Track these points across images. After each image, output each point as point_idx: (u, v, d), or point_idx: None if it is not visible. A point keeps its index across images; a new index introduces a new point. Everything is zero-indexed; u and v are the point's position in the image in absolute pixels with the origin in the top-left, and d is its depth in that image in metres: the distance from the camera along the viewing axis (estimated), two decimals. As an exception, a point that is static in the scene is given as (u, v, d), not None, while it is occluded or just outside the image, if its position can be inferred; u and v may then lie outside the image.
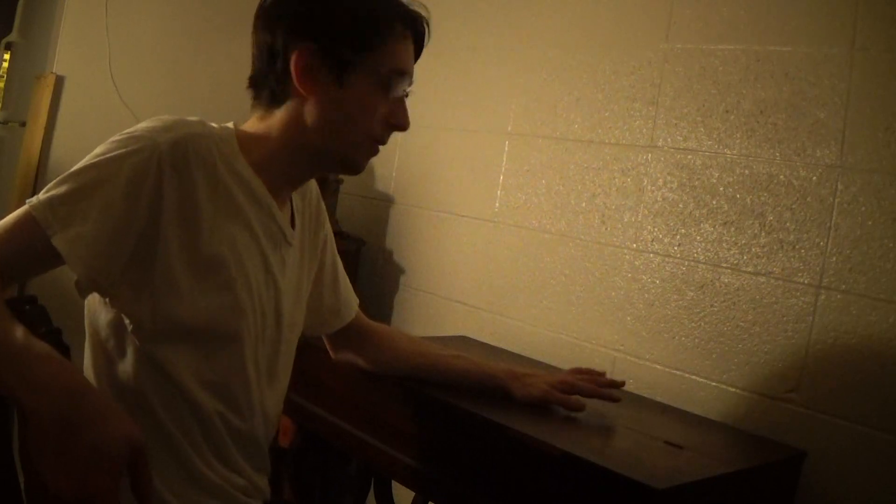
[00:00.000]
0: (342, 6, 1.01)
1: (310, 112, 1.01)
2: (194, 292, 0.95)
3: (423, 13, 1.07)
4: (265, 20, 1.02)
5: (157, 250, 0.92)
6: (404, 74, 1.04)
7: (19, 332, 0.78)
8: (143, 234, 0.91)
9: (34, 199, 0.89)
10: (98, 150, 0.92)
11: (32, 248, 0.88)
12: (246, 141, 1.02)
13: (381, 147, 1.07)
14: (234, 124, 1.04)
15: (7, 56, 2.97)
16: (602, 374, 1.35)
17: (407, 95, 1.07)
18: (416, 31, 1.06)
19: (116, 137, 0.93)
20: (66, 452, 0.70)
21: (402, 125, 1.05)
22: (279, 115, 1.02)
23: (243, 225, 1.00)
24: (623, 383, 1.37)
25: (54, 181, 0.91)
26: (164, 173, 0.91)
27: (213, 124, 1.03)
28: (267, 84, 1.02)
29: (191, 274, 0.94)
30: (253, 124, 1.05)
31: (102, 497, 0.70)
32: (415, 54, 1.07)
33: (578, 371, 1.37)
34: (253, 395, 1.04)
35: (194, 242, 0.94)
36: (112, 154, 0.91)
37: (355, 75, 1.01)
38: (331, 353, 1.35)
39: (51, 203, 0.88)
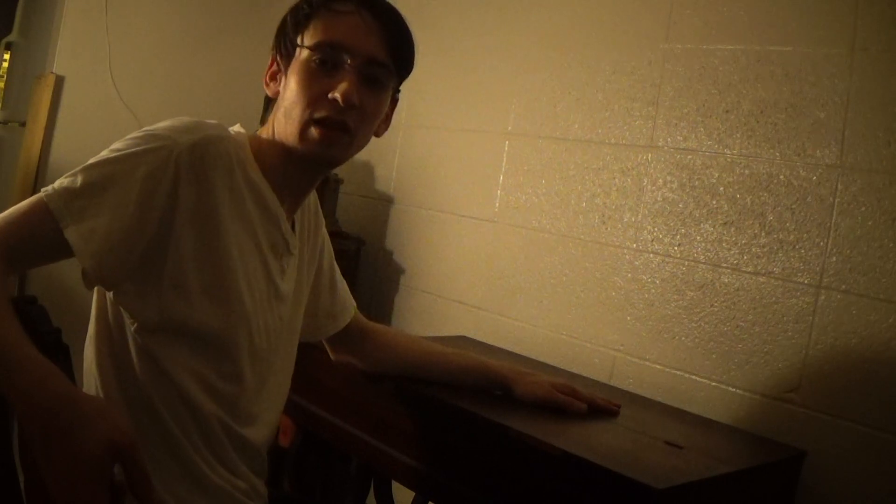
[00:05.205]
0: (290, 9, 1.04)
1: (275, 112, 1.03)
2: (203, 297, 0.95)
3: None
4: None
5: (168, 252, 0.92)
6: (332, 46, 0.98)
7: (13, 333, 0.77)
8: (155, 234, 0.91)
9: (49, 188, 0.88)
10: (116, 144, 0.92)
11: (42, 237, 0.88)
12: (257, 147, 1.03)
13: (339, 131, 0.98)
14: (246, 130, 1.05)
15: (7, 56, 2.97)
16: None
17: (358, 68, 0.98)
18: None
19: (136, 134, 0.92)
20: (52, 460, 0.70)
21: (337, 96, 0.96)
22: (270, 121, 1.04)
23: (249, 233, 1.00)
24: (619, 407, 1.36)
25: (70, 172, 0.89)
26: (181, 175, 0.91)
27: (231, 129, 1.03)
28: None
29: (201, 278, 0.94)
30: (263, 131, 1.06)
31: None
32: (383, 25, 0.99)
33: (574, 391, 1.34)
34: (252, 402, 1.04)
35: (209, 246, 0.94)
36: (130, 150, 0.90)
37: (295, 61, 1.00)
38: (330, 354, 1.35)
39: (66, 194, 0.87)
